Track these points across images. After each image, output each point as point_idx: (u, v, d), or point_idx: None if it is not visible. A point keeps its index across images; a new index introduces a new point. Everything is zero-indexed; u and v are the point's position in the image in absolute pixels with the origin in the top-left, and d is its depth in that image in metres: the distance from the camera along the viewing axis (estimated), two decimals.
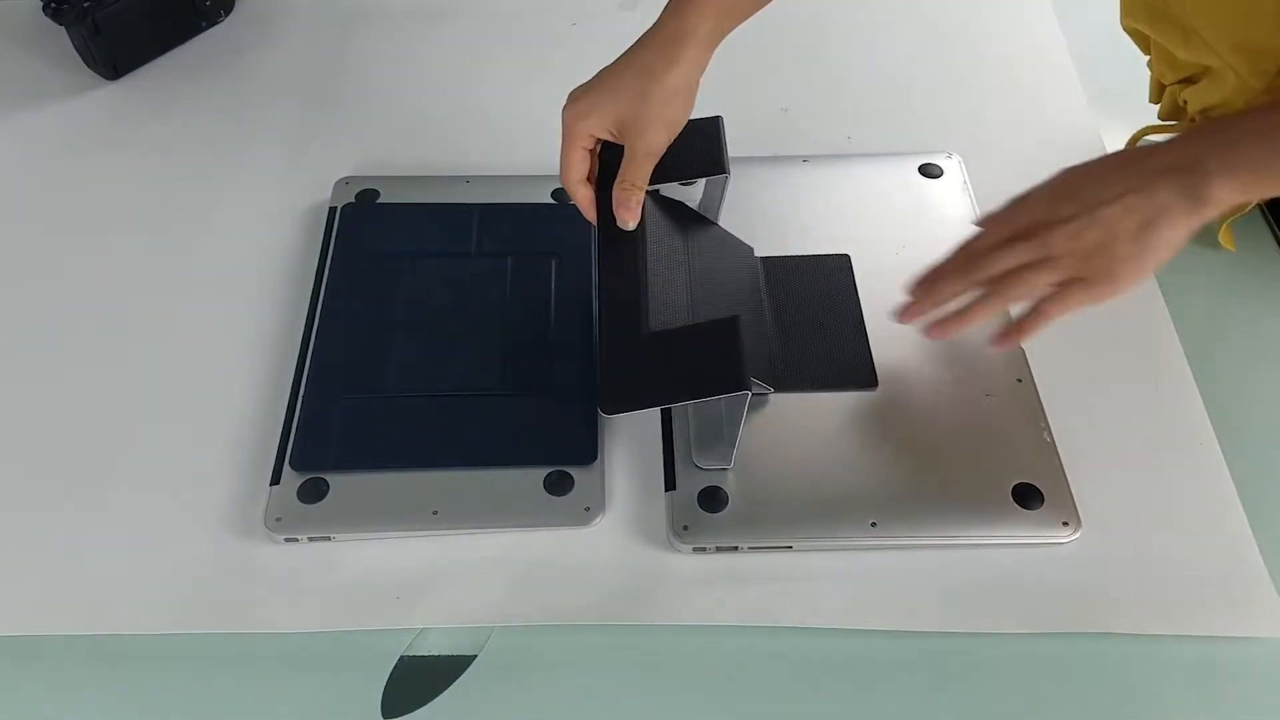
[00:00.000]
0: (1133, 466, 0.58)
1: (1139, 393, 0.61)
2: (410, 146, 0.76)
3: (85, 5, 0.79)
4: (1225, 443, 0.59)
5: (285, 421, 0.58)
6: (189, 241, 0.70)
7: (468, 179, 0.72)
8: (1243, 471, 0.57)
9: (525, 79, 0.81)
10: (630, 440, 0.59)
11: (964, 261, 0.52)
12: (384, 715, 0.50)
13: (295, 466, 0.56)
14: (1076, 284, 0.50)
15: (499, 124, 0.78)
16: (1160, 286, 0.66)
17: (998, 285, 0.51)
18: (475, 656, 0.52)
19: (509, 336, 0.62)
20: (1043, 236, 0.50)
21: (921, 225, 0.68)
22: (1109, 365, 0.62)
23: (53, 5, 0.79)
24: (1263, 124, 0.49)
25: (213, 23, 0.87)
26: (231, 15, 0.88)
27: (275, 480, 0.56)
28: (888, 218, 0.68)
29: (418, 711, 0.50)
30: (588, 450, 0.57)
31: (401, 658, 0.52)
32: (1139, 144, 0.70)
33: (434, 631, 0.52)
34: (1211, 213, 0.48)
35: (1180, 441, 0.59)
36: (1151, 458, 0.58)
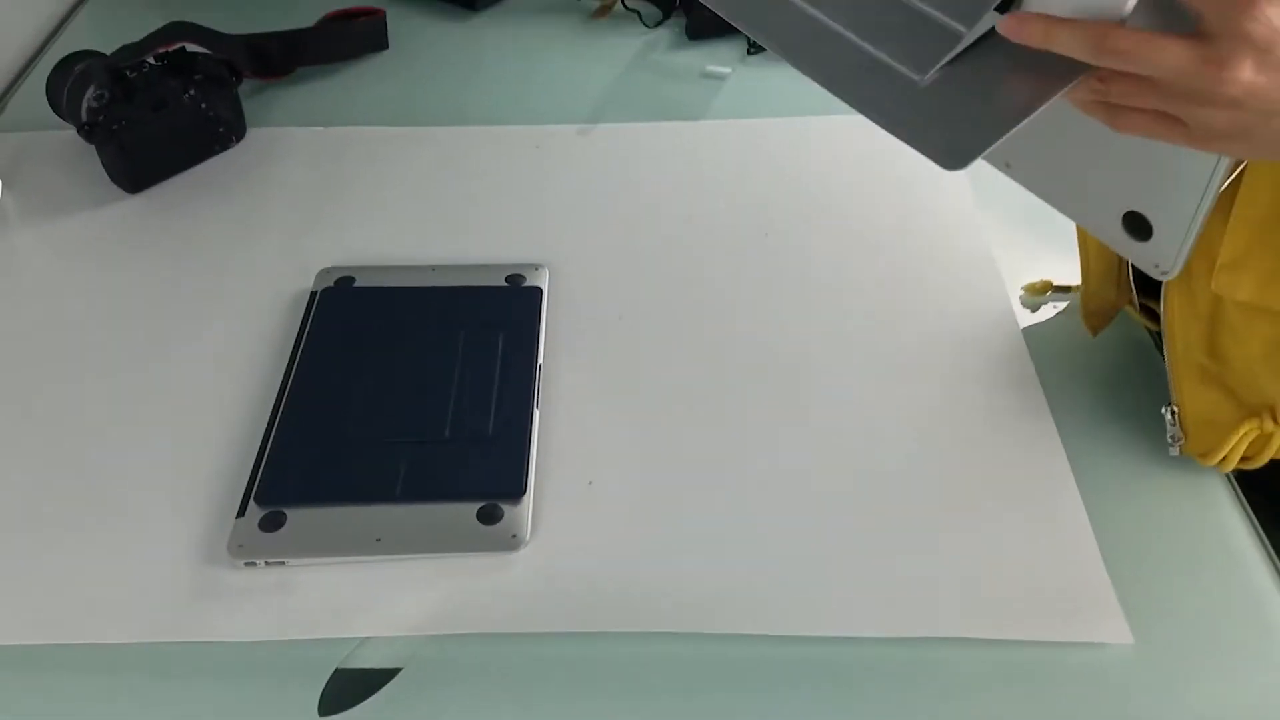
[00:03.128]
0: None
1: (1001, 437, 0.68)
2: (386, 243, 0.86)
3: (114, 128, 0.91)
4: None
5: (254, 462, 0.67)
6: (190, 320, 0.80)
7: (433, 267, 0.82)
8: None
9: (490, 188, 0.92)
10: (552, 479, 0.66)
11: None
12: (320, 715, 0.56)
13: (259, 501, 0.64)
14: (1190, 135, 0.44)
15: (464, 224, 0.88)
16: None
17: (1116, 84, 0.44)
18: (403, 667, 0.58)
19: (457, 392, 0.71)
20: (1201, 99, 0.42)
21: None
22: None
23: (87, 126, 0.92)
24: None
25: (225, 147, 0.98)
26: (242, 141, 1.00)
27: (241, 513, 0.64)
28: None
29: (350, 711, 0.56)
30: (516, 487, 0.65)
31: (339, 667, 0.58)
32: None
33: (372, 641, 0.59)
34: None
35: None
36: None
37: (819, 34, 0.49)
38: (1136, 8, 0.43)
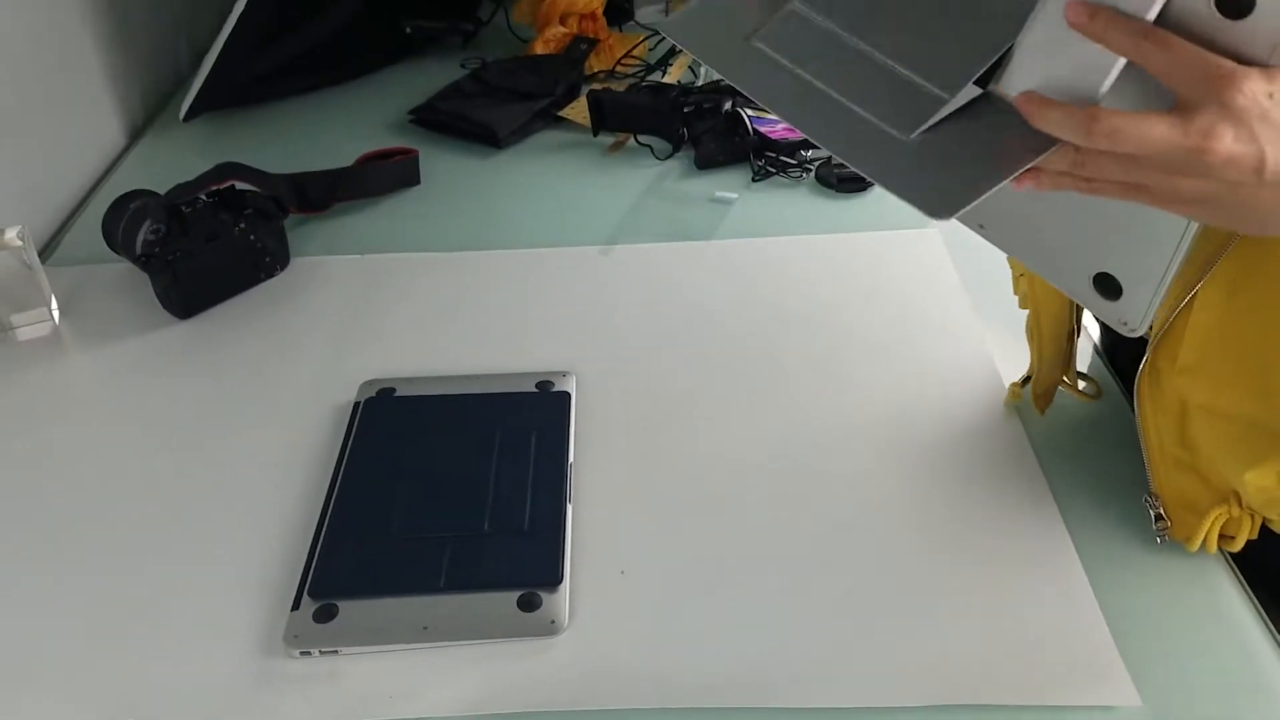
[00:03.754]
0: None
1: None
2: (423, 357, 0.92)
3: (169, 259, 0.98)
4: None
5: (307, 559, 0.71)
6: (240, 431, 0.85)
7: (468, 377, 0.87)
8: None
9: (518, 305, 0.99)
10: (587, 569, 0.71)
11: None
12: None
13: (312, 594, 0.68)
14: (1153, 196, 0.46)
15: (495, 338, 0.94)
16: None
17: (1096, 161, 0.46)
18: None
19: (494, 489, 0.76)
20: (1185, 172, 0.44)
21: None
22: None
23: (144, 258, 0.99)
24: None
25: (270, 275, 1.06)
26: (286, 270, 1.07)
27: (295, 606, 0.68)
28: None
29: None
30: (553, 576, 0.69)
31: None
32: None
33: None
34: None
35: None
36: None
37: (808, 92, 0.51)
38: (1113, 84, 0.45)
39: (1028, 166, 0.46)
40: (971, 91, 0.49)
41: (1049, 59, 0.46)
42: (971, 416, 0.82)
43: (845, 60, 0.51)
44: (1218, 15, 0.42)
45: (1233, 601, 0.68)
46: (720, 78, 1.25)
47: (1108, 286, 0.56)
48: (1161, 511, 0.70)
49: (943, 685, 0.62)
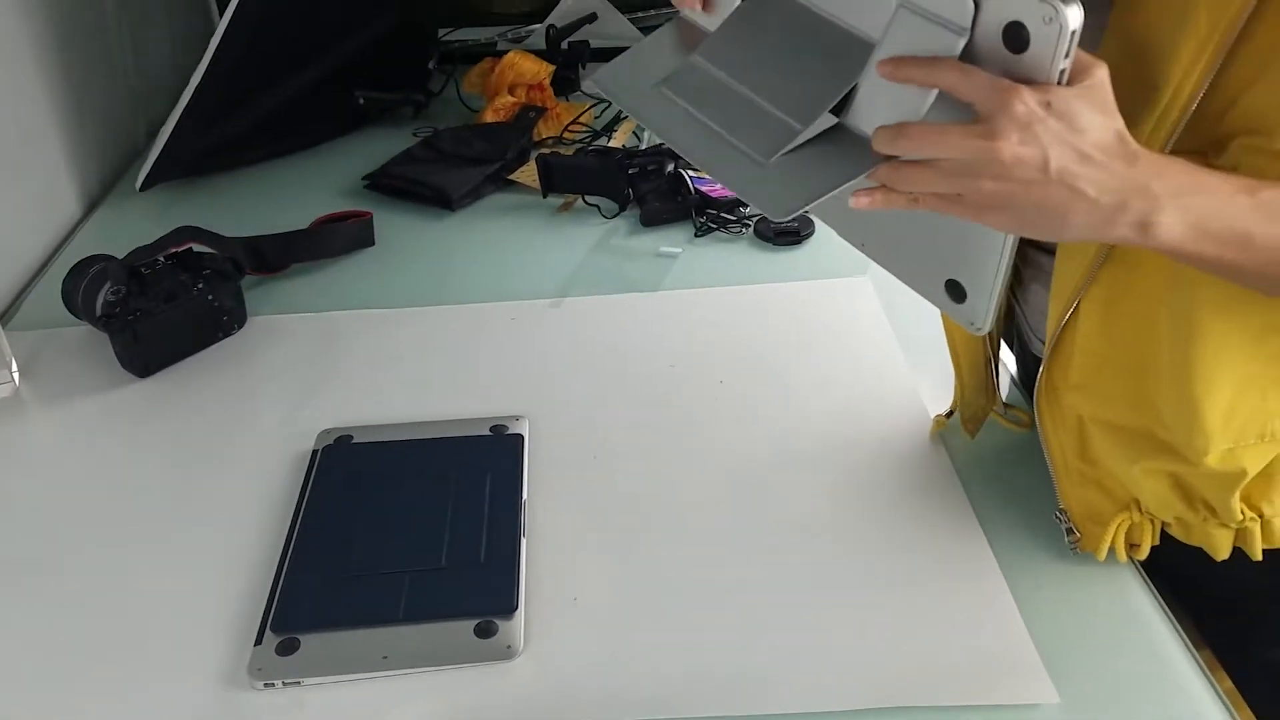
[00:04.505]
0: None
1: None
2: (379, 407, 0.95)
3: (129, 319, 1.01)
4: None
5: (269, 595, 0.73)
6: (202, 480, 0.88)
7: (423, 423, 0.91)
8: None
9: (471, 355, 1.03)
10: (541, 598, 0.74)
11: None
12: None
13: (274, 629, 0.71)
14: (965, 206, 0.53)
15: (449, 387, 0.98)
16: None
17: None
18: None
19: (450, 526, 0.79)
20: (979, 172, 0.51)
21: None
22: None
23: (103, 318, 1.02)
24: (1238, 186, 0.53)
25: (228, 334, 1.08)
26: (243, 329, 1.10)
27: (258, 641, 0.70)
28: None
29: None
30: (509, 604, 0.72)
31: None
32: None
33: None
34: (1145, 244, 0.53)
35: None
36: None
37: (698, 128, 0.61)
38: (931, 107, 0.54)
39: (853, 179, 0.55)
40: (829, 120, 0.58)
41: (883, 93, 0.55)
42: (900, 446, 0.87)
43: (729, 101, 0.61)
44: (1005, 51, 0.50)
45: (1142, 604, 0.73)
46: (662, 143, 1.32)
47: (956, 292, 0.63)
48: (1071, 525, 0.75)
49: (875, 690, 0.66)
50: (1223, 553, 0.70)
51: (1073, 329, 0.68)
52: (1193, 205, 0.53)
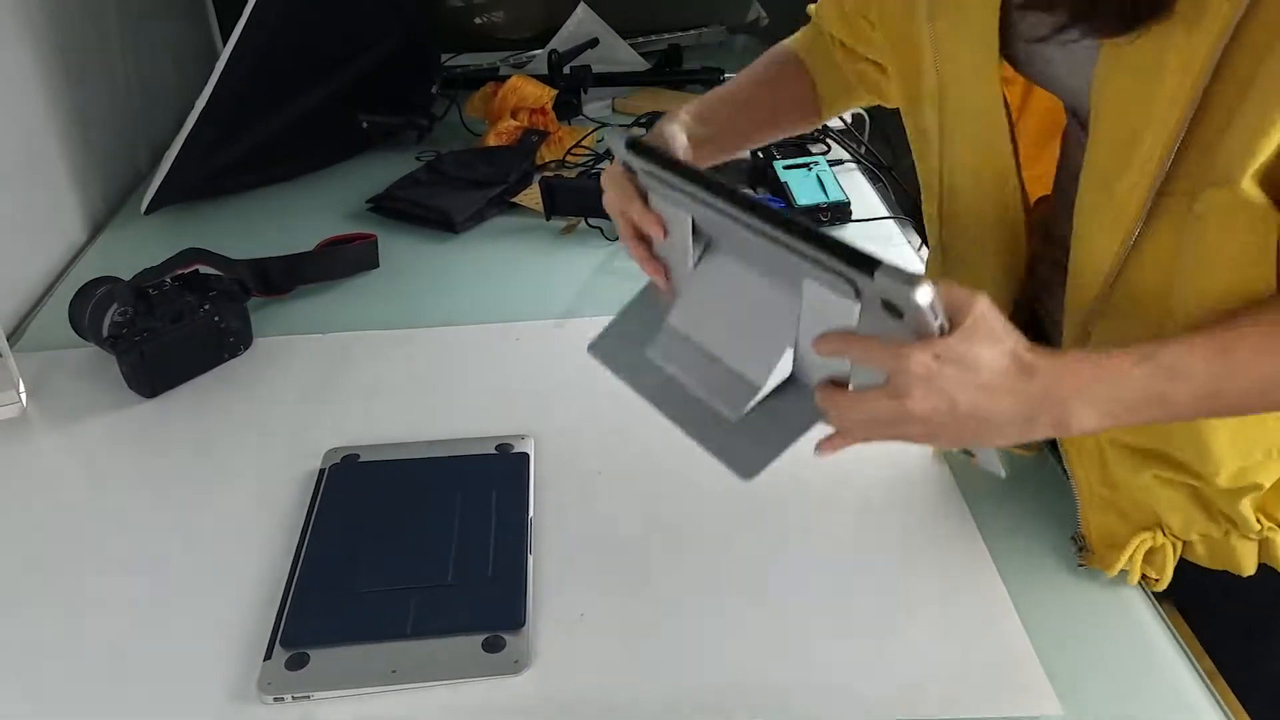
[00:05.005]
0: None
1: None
2: (385, 426, 0.96)
3: (136, 339, 1.02)
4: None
5: (278, 612, 0.74)
6: (209, 499, 0.88)
7: (429, 442, 0.92)
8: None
9: (476, 375, 1.04)
10: (548, 614, 0.75)
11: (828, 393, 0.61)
12: None
13: (283, 644, 0.71)
14: (904, 440, 0.59)
15: (454, 407, 0.99)
16: None
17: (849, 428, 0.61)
18: None
19: (458, 543, 0.79)
20: (901, 422, 0.58)
21: None
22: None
23: (110, 339, 1.03)
24: (1140, 354, 0.58)
25: (234, 355, 1.09)
26: (249, 349, 1.11)
27: (268, 656, 0.71)
28: None
29: None
30: (517, 619, 0.73)
31: None
32: None
33: None
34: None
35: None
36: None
37: (673, 387, 0.71)
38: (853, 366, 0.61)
39: (803, 433, 0.64)
40: (785, 372, 0.66)
41: (815, 356, 0.62)
42: (905, 462, 0.88)
43: (702, 363, 0.70)
44: (890, 318, 0.57)
45: (1145, 616, 0.73)
46: None
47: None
48: (1085, 546, 0.76)
49: (881, 703, 0.67)
50: (1248, 568, 0.71)
51: None
52: (1098, 393, 0.57)
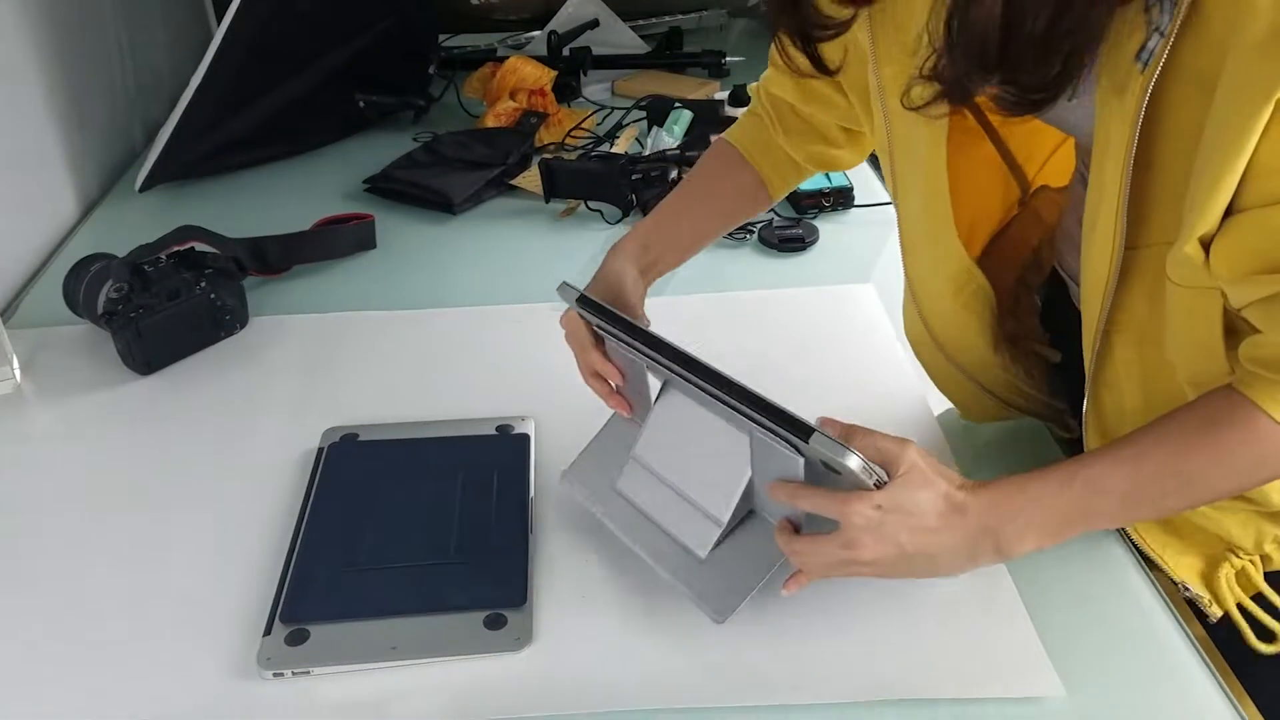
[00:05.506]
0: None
1: None
2: (384, 407, 0.95)
3: (132, 316, 1.01)
4: None
5: (277, 588, 0.73)
6: (208, 476, 0.88)
7: (428, 423, 0.91)
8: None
9: (477, 358, 1.03)
10: (549, 594, 0.74)
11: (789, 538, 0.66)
12: None
13: (283, 620, 0.71)
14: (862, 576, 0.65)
15: (454, 389, 0.98)
16: None
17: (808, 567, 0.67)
18: None
19: (459, 522, 0.79)
20: (856, 565, 0.63)
21: None
22: None
23: (106, 315, 1.02)
24: (1060, 480, 0.63)
25: (230, 333, 1.08)
26: (245, 329, 1.10)
27: (267, 632, 0.70)
28: None
29: None
30: (519, 597, 0.72)
31: None
32: None
33: None
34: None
35: None
36: None
37: (642, 522, 0.75)
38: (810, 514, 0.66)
39: (769, 570, 0.69)
40: (745, 509, 0.71)
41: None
42: (900, 428, 0.87)
43: (666, 499, 0.74)
44: (831, 473, 0.63)
45: (1146, 599, 0.73)
46: (666, 149, 1.33)
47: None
48: (1193, 593, 0.75)
49: (882, 682, 0.67)
50: None
51: (1108, 356, 0.69)
52: (1031, 519, 0.63)
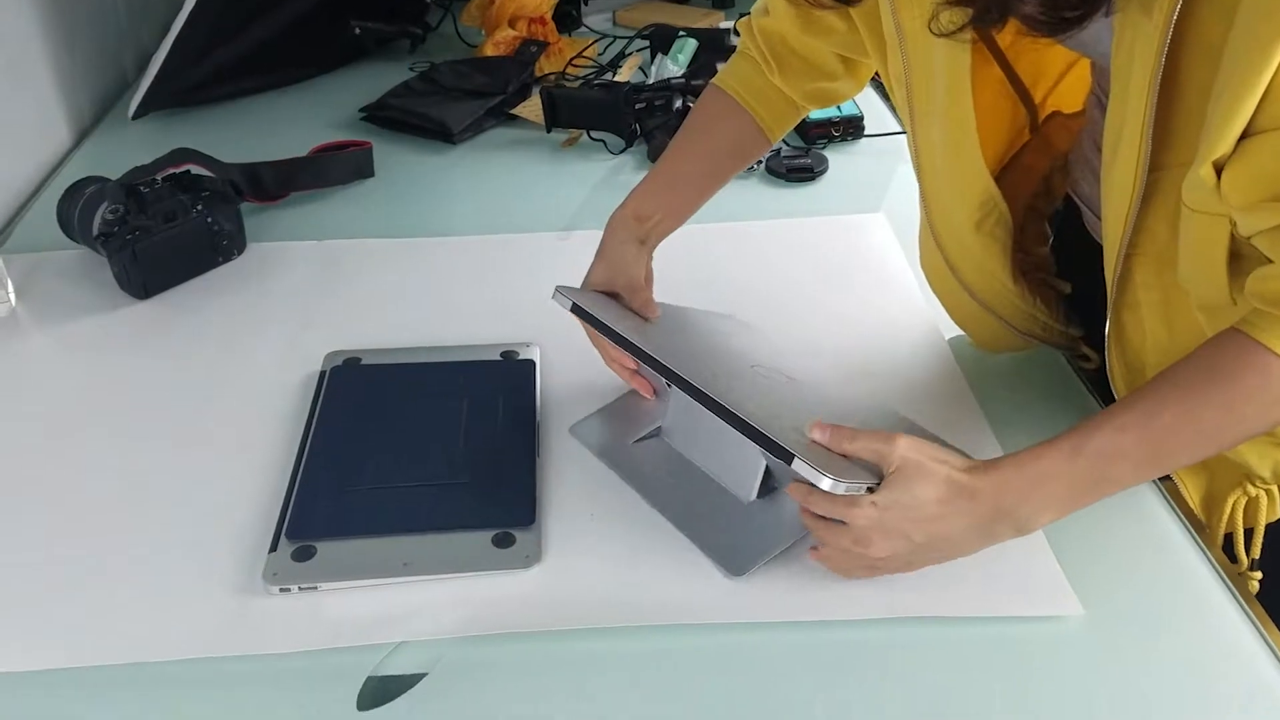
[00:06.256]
0: None
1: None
2: (385, 333, 0.94)
3: (128, 238, 0.99)
4: None
5: (283, 505, 0.72)
6: (209, 398, 0.86)
7: (433, 348, 0.90)
8: None
9: (479, 285, 1.02)
10: (557, 514, 0.74)
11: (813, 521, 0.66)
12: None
13: (289, 536, 0.70)
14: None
15: (457, 315, 0.97)
16: None
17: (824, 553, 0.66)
18: (430, 671, 0.63)
19: (465, 444, 0.78)
20: (875, 563, 0.63)
21: None
22: None
23: (102, 237, 1.00)
24: (1068, 451, 0.61)
25: (227, 259, 1.07)
26: (243, 255, 1.08)
27: (273, 548, 0.69)
28: None
29: (386, 706, 0.61)
30: (527, 516, 0.72)
31: (369, 676, 0.62)
32: None
33: (403, 646, 0.64)
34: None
35: None
36: None
37: (654, 474, 0.76)
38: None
39: (794, 539, 0.70)
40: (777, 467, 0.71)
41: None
42: (918, 368, 0.88)
43: (690, 471, 0.76)
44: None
45: (1163, 519, 0.73)
46: (670, 78, 1.30)
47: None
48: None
49: (900, 601, 0.66)
50: None
51: (1129, 287, 0.68)
52: (1045, 494, 0.61)
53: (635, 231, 0.85)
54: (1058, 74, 0.82)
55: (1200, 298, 0.64)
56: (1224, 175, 0.56)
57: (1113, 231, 0.67)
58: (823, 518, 0.65)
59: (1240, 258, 0.61)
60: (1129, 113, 0.61)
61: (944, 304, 0.88)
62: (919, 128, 0.78)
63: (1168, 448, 0.62)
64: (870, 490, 0.62)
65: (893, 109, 1.36)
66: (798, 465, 0.61)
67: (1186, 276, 0.64)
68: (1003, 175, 0.82)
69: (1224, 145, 0.55)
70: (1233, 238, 0.60)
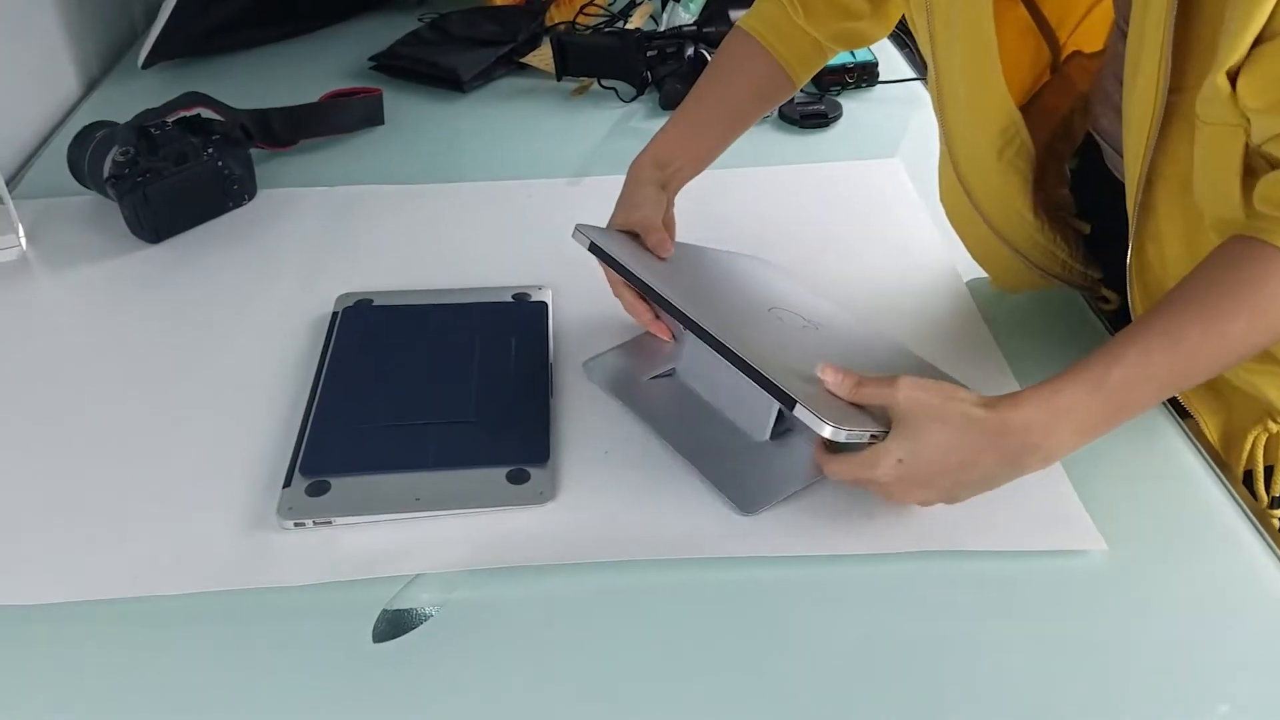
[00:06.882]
0: None
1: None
2: (397, 276, 0.93)
3: (139, 180, 0.98)
4: None
5: (296, 442, 0.72)
6: (222, 339, 0.86)
7: (445, 290, 0.89)
8: None
9: (490, 229, 1.01)
10: (571, 451, 0.73)
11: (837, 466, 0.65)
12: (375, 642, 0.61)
13: (303, 472, 0.70)
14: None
15: (468, 259, 0.96)
16: None
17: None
18: (444, 603, 0.63)
19: (478, 383, 0.78)
20: (904, 494, 0.63)
21: None
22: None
23: (113, 179, 0.99)
24: (1092, 383, 0.60)
25: (238, 204, 1.06)
26: (254, 201, 1.07)
27: (287, 484, 0.69)
28: None
29: (402, 639, 0.61)
30: (541, 453, 0.71)
31: (384, 609, 0.62)
32: None
33: (419, 578, 0.64)
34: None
35: None
36: None
37: (666, 412, 0.75)
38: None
39: (809, 482, 0.69)
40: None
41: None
42: (937, 310, 0.87)
43: (698, 413, 0.75)
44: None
45: (1184, 455, 0.73)
46: (682, 25, 1.28)
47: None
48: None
49: (921, 534, 0.66)
50: None
51: (1150, 211, 0.67)
52: (1071, 426, 0.60)
53: (655, 176, 0.84)
54: (1082, 12, 0.81)
55: (1215, 215, 0.64)
56: (1239, 82, 0.57)
57: (1134, 156, 0.67)
58: (842, 460, 0.64)
59: (1253, 173, 0.61)
60: (1147, 36, 0.61)
61: (963, 239, 0.87)
62: (940, 55, 0.77)
63: (1195, 366, 0.61)
64: (874, 438, 0.61)
65: (908, 55, 1.35)
66: (799, 412, 0.61)
67: (1201, 194, 0.64)
68: (1023, 115, 0.81)
69: (1239, 51, 0.56)
70: (1246, 152, 0.60)
